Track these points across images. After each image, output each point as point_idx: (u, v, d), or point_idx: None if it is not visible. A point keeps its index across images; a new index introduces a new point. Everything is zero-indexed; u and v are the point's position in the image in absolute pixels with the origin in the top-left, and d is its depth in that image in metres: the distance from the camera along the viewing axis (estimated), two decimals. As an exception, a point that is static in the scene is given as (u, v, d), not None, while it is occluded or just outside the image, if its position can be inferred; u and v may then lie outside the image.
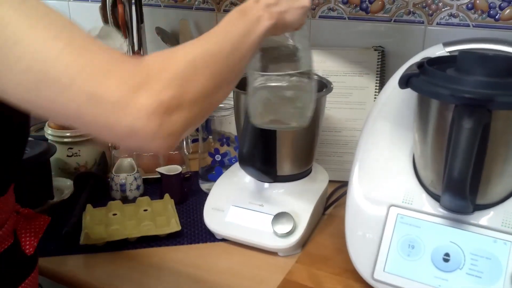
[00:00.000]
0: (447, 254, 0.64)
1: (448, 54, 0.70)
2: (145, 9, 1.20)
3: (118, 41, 0.83)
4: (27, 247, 0.61)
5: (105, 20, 1.17)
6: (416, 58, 0.70)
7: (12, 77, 0.40)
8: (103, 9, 1.16)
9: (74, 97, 0.40)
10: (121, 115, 0.40)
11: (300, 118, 0.67)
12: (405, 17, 0.99)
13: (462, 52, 0.62)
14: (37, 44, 0.39)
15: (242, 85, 0.84)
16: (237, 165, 0.87)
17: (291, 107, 0.67)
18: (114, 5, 1.14)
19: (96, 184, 0.96)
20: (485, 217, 0.64)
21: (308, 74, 0.67)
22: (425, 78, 0.61)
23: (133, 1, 1.16)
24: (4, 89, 0.41)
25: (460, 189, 0.56)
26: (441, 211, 0.66)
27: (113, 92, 0.39)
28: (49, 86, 0.39)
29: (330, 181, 0.89)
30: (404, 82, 0.62)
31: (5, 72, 0.40)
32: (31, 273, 0.61)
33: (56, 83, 0.39)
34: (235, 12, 0.54)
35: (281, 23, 0.58)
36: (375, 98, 0.96)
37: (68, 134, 0.99)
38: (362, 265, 0.68)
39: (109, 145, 1.11)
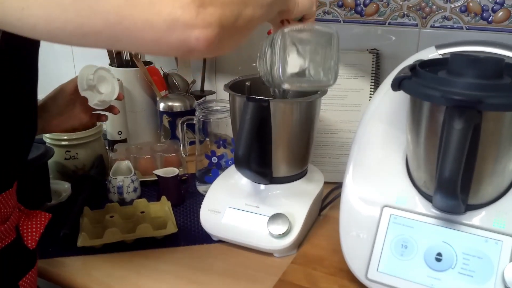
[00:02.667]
0: (439, 254, 0.64)
1: (440, 56, 0.71)
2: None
3: (112, 83, 0.88)
4: (29, 241, 0.63)
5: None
6: (409, 61, 0.71)
7: None
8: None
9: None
10: (159, 8, 0.40)
11: (328, 74, 0.69)
12: (399, 20, 1.00)
13: (453, 54, 0.63)
14: None
15: (238, 87, 0.85)
16: (233, 167, 0.88)
17: (320, 62, 0.69)
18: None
19: (93, 186, 0.97)
20: (477, 217, 0.65)
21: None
22: (417, 81, 0.61)
23: None
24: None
25: (451, 189, 0.57)
26: (433, 211, 0.66)
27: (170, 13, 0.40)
28: None
29: (325, 183, 0.90)
30: (397, 85, 0.62)
31: None
32: (32, 268, 0.63)
33: None
34: None
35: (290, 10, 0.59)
36: (370, 100, 0.97)
37: (65, 137, 1.00)
38: (356, 265, 0.69)
39: (106, 148, 1.12)
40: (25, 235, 0.63)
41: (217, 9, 0.43)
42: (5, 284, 0.59)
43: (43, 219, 0.66)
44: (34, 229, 0.64)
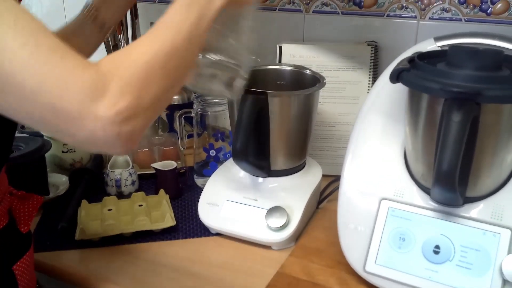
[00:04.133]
0: (437, 246, 0.64)
1: (439, 48, 0.71)
2: (139, 5, 1.21)
3: None
4: (22, 225, 0.63)
5: (99, 16, 1.17)
6: (408, 53, 0.71)
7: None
8: (97, 5, 1.16)
9: (37, 106, 0.42)
10: (80, 126, 0.42)
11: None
12: (398, 12, 0.99)
13: (452, 46, 0.63)
14: (6, 52, 0.40)
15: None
16: (231, 160, 0.88)
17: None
18: (108, 1, 1.14)
19: (91, 180, 0.97)
20: (475, 210, 0.65)
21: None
22: (415, 73, 0.61)
23: (127, -3, 1.16)
24: None
25: (449, 181, 0.57)
26: (431, 204, 0.66)
27: (73, 105, 0.42)
28: (15, 93, 0.41)
29: (324, 176, 0.90)
30: (395, 77, 0.62)
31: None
32: (27, 251, 0.63)
33: (21, 91, 0.41)
34: None
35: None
36: (368, 92, 0.97)
37: (63, 130, 1.00)
38: (353, 258, 0.69)
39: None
40: (17, 219, 0.63)
41: (140, 118, 0.45)
42: None
43: (35, 202, 0.66)
44: (26, 213, 0.64)
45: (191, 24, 0.51)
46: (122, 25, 1.15)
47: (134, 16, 1.18)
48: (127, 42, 1.18)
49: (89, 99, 0.42)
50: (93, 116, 0.42)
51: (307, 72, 0.89)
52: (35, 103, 0.42)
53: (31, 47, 0.41)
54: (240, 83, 0.69)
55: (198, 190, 0.92)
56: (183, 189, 0.98)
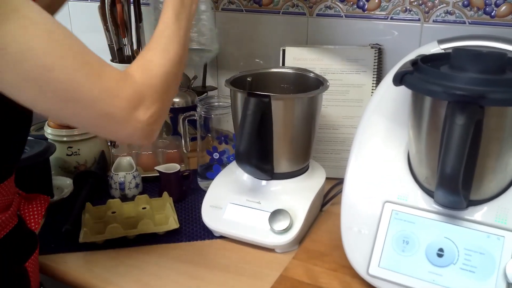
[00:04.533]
0: (441, 250, 0.64)
1: (442, 51, 0.71)
2: (143, 8, 1.21)
3: None
4: (33, 224, 0.68)
5: (104, 19, 1.18)
6: (411, 56, 0.71)
7: (44, 95, 0.49)
8: (102, 8, 1.17)
9: (93, 114, 0.51)
10: (125, 127, 0.53)
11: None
12: (401, 15, 0.99)
13: (455, 49, 0.63)
14: (69, 72, 0.48)
15: (239, 83, 0.85)
16: (235, 163, 0.87)
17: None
18: (113, 5, 1.15)
19: (95, 182, 0.97)
20: (479, 213, 0.64)
21: None
22: (418, 76, 0.61)
23: (131, 0, 1.17)
24: (34, 103, 0.50)
25: (453, 184, 0.57)
26: (435, 207, 0.66)
27: (121, 112, 0.52)
28: (74, 104, 0.50)
29: (327, 178, 0.90)
30: (398, 80, 0.62)
31: (39, 90, 0.48)
32: (35, 250, 0.66)
33: (80, 102, 0.50)
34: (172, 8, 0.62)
35: None
36: (372, 95, 0.97)
37: (67, 133, 1.00)
38: (357, 261, 0.69)
39: (109, 144, 1.12)
40: (27, 218, 0.67)
41: (163, 117, 0.58)
42: (13, 267, 0.62)
43: (43, 201, 0.70)
44: (35, 212, 0.69)
45: (185, 31, 0.62)
46: (126, 28, 1.16)
47: (139, 19, 1.19)
48: (131, 46, 1.19)
49: (132, 106, 0.52)
50: (134, 120, 0.53)
51: (311, 75, 0.89)
52: (91, 110, 0.51)
53: (87, 68, 0.50)
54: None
55: (202, 193, 0.92)
56: (186, 192, 0.98)
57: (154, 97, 0.54)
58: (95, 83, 0.50)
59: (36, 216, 0.69)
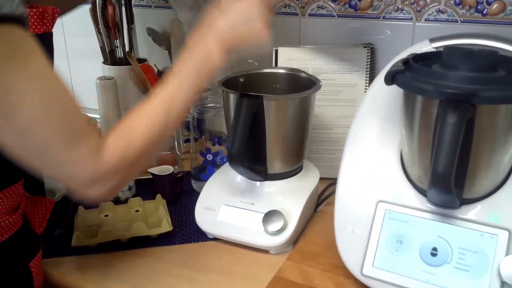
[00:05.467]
0: (434, 249, 0.64)
1: (434, 50, 0.71)
2: (135, 10, 1.21)
3: None
4: (37, 226, 0.69)
5: (96, 21, 1.17)
6: (403, 55, 0.71)
7: (16, 142, 0.50)
8: (93, 10, 1.17)
9: (52, 172, 0.53)
10: (78, 193, 0.55)
11: None
12: (393, 14, 0.99)
13: (447, 47, 0.62)
14: (47, 133, 0.49)
15: (231, 84, 0.85)
16: (228, 164, 0.87)
17: None
18: (104, 7, 1.14)
19: (88, 185, 0.96)
20: (472, 211, 0.64)
21: None
22: (410, 75, 0.61)
23: (123, 2, 1.16)
24: (6, 142, 0.50)
25: (445, 183, 0.56)
26: (428, 206, 0.66)
27: (75, 184, 0.54)
28: (39, 160, 0.51)
29: (321, 179, 0.89)
30: (390, 79, 0.62)
31: (15, 138, 0.49)
32: (39, 251, 0.68)
33: (45, 160, 0.51)
34: (189, 61, 0.61)
35: (234, 48, 0.64)
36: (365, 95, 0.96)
37: (59, 136, 1.00)
38: (351, 261, 0.69)
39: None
40: (32, 221, 0.68)
41: (126, 183, 0.64)
42: (18, 267, 0.64)
43: (48, 204, 0.72)
44: (40, 215, 0.70)
45: (187, 102, 0.60)
46: (118, 30, 1.15)
47: (130, 21, 1.18)
48: (123, 48, 1.18)
49: (88, 184, 0.53)
50: (87, 193, 0.54)
51: (303, 75, 0.88)
52: (52, 170, 0.53)
53: (66, 133, 0.50)
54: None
55: (195, 195, 0.91)
56: (180, 194, 0.97)
57: (118, 170, 0.54)
58: (67, 150, 0.50)
59: (41, 219, 0.70)
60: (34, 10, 0.60)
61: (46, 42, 0.60)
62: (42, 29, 0.61)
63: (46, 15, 0.61)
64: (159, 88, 0.59)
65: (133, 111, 0.58)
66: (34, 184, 0.91)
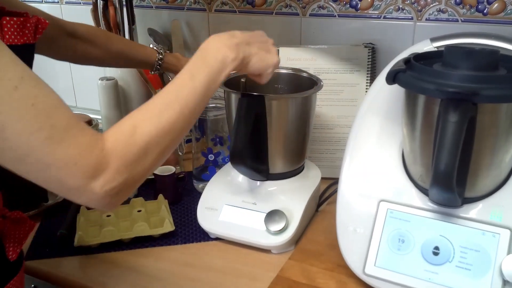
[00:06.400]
0: (436, 248, 0.64)
1: (435, 49, 0.71)
2: (136, 11, 1.21)
3: None
4: (10, 253, 0.62)
5: (97, 22, 1.17)
6: (404, 54, 0.71)
7: None
8: (94, 11, 1.17)
9: (47, 178, 0.47)
10: (78, 196, 0.49)
11: None
12: (394, 14, 0.99)
13: (448, 47, 0.63)
14: (23, 135, 0.45)
15: (233, 84, 0.85)
16: (230, 164, 0.88)
17: None
18: (105, 8, 1.15)
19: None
20: (474, 210, 0.64)
21: None
22: (411, 74, 0.61)
23: (124, 2, 1.17)
24: None
25: (447, 182, 0.57)
26: (430, 205, 0.66)
27: (76, 182, 0.47)
28: (28, 165, 0.46)
29: (323, 178, 0.89)
30: (391, 78, 0.62)
31: None
32: (15, 276, 0.61)
33: (34, 165, 0.46)
34: (200, 57, 0.59)
35: (244, 65, 0.63)
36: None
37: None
38: (353, 260, 0.69)
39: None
40: (7, 246, 0.61)
41: (130, 189, 0.52)
42: None
43: (27, 228, 0.64)
44: (16, 240, 0.62)
45: (199, 96, 0.56)
46: (119, 31, 1.16)
47: (132, 22, 1.18)
48: (125, 48, 1.18)
49: (90, 177, 0.48)
50: (90, 192, 0.48)
51: (304, 75, 0.89)
52: (45, 174, 0.47)
53: (46, 131, 0.46)
54: None
55: (197, 195, 0.92)
56: (182, 194, 0.97)
57: (121, 169, 0.49)
58: (51, 149, 0.46)
59: (16, 245, 0.62)
60: (15, 19, 0.55)
61: (26, 54, 0.55)
62: (22, 40, 0.56)
63: (28, 25, 0.57)
64: (170, 83, 0.56)
65: (141, 106, 0.54)
66: (36, 185, 0.91)
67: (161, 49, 0.93)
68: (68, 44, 0.84)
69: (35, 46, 0.60)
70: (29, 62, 0.60)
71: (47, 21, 0.60)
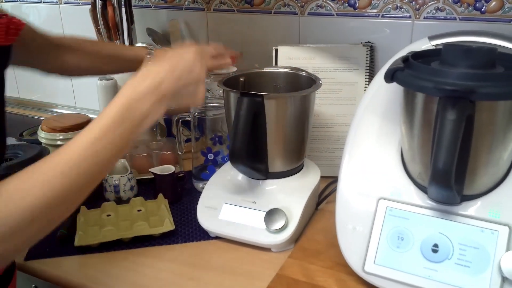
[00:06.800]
0: (435, 245, 0.64)
1: (433, 47, 0.71)
2: (135, 10, 1.21)
3: None
4: None
5: (96, 22, 1.17)
6: (402, 53, 0.71)
7: None
8: (93, 11, 1.17)
9: None
10: None
11: None
12: (392, 12, 1.00)
13: (446, 45, 0.63)
14: None
15: (232, 83, 0.85)
16: (229, 163, 0.88)
17: None
18: (104, 7, 1.15)
19: (90, 186, 0.97)
20: (473, 208, 0.65)
21: None
22: (409, 72, 0.61)
23: (122, 2, 1.17)
24: None
25: (446, 180, 0.57)
26: (429, 202, 0.66)
27: None
28: None
29: (322, 177, 0.90)
30: (390, 76, 0.62)
31: None
32: (7, 286, 0.60)
33: None
34: (116, 113, 0.52)
35: (170, 104, 0.57)
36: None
37: (61, 137, 1.00)
38: (352, 258, 0.69)
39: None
40: None
41: (8, 259, 0.50)
42: None
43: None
44: None
45: (109, 155, 0.51)
46: (118, 30, 1.16)
47: (130, 21, 1.18)
48: (124, 48, 1.18)
49: None
50: None
51: (303, 73, 0.89)
52: None
53: None
54: None
55: (197, 194, 0.92)
56: (181, 193, 0.98)
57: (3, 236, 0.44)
58: None
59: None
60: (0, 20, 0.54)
61: (8, 54, 0.55)
62: (8, 42, 0.55)
63: (12, 26, 0.55)
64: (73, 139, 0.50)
65: (31, 166, 0.47)
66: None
67: (151, 47, 0.92)
68: (56, 55, 0.83)
69: (11, 49, 0.58)
70: (3, 64, 0.57)
71: (22, 22, 0.57)
